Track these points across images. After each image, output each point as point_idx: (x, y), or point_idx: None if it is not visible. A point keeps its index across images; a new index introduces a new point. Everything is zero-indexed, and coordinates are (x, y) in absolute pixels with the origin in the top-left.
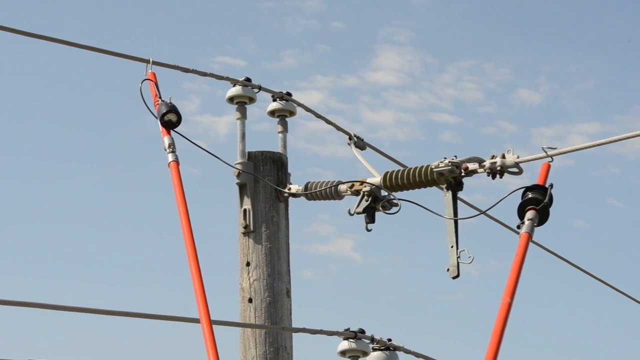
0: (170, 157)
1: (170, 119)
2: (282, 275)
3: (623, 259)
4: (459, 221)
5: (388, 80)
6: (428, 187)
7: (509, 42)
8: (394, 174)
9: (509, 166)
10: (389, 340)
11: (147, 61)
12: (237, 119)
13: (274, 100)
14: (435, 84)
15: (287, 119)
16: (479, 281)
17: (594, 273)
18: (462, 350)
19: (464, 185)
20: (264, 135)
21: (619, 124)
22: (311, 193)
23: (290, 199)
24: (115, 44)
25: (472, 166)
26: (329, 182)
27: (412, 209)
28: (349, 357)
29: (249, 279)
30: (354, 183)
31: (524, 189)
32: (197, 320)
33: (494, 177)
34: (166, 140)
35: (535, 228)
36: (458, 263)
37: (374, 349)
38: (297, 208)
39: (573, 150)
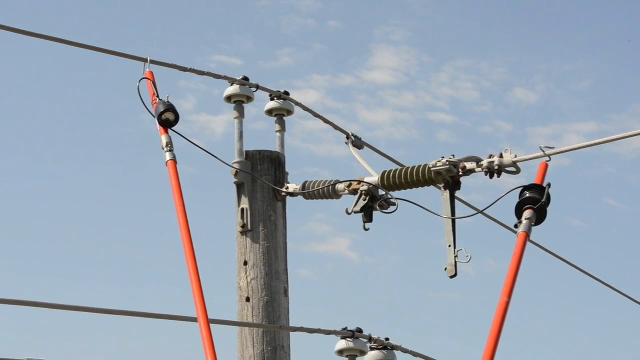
0: (167, 156)
1: (168, 118)
2: (280, 274)
3: (620, 258)
4: (456, 220)
5: (384, 79)
6: (425, 186)
7: (505, 41)
8: (391, 173)
9: (507, 165)
10: (387, 339)
11: (145, 60)
12: (235, 117)
13: (272, 99)
14: (431, 83)
15: (284, 118)
16: (475, 280)
17: (591, 272)
18: (459, 349)
19: (461, 185)
20: (261, 134)
21: (615, 123)
22: (309, 192)
23: (287, 198)
24: (110, 42)
25: (469, 165)
26: (326, 181)
27: (409, 208)
28: (347, 356)
29: (246, 277)
30: (352, 182)
31: (521, 188)
32: (194, 319)
33: (491, 177)
34: (163, 139)
35: (533, 227)
36: (455, 262)
37: (372, 348)
38: (294, 207)
39: (571, 150)
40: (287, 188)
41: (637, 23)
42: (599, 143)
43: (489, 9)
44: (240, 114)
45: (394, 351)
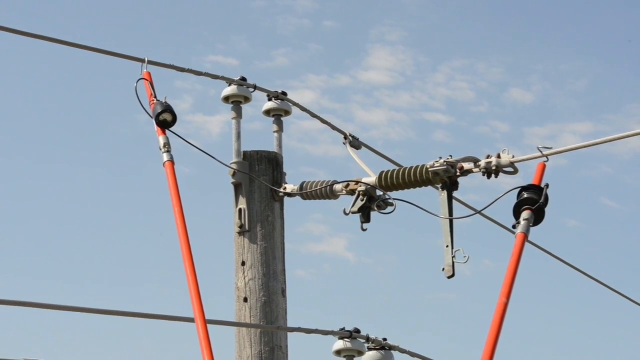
0: (165, 157)
1: (166, 119)
2: (277, 274)
3: (617, 257)
4: (454, 221)
5: (380, 79)
6: (423, 187)
7: (501, 42)
8: (389, 174)
9: (504, 166)
10: (384, 339)
11: (142, 60)
12: (233, 118)
13: (269, 99)
14: (427, 83)
15: (282, 119)
16: (472, 280)
17: (588, 272)
18: (457, 349)
19: (459, 185)
20: (257, 134)
21: (611, 124)
22: (306, 192)
23: (284, 198)
24: (106, 42)
25: (467, 166)
26: (324, 181)
27: (405, 208)
28: (344, 356)
29: (244, 278)
30: (349, 182)
31: (519, 189)
32: (192, 320)
33: (489, 177)
34: (161, 140)
35: (531, 228)
36: (453, 262)
37: (369, 349)
38: (290, 207)
39: (568, 150)
40: (284, 188)
41: (634, 23)
42: (597, 143)
43: (485, 9)
44: (238, 114)
45: (392, 351)
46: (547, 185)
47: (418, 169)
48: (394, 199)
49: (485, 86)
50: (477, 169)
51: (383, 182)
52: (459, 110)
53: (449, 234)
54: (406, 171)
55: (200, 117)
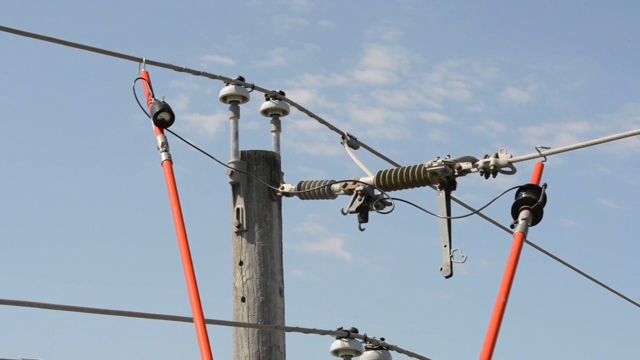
0: (163, 156)
1: (164, 118)
2: (275, 274)
3: (614, 257)
4: (452, 220)
5: (376, 79)
6: (421, 187)
7: (497, 41)
8: (387, 174)
9: (502, 165)
10: (382, 339)
11: (140, 60)
12: (230, 118)
13: (267, 99)
14: (423, 82)
15: (280, 118)
16: (469, 280)
17: (585, 272)
18: (454, 349)
19: (457, 185)
20: (254, 134)
21: (608, 123)
22: (304, 192)
23: (282, 198)
24: (102, 42)
25: (465, 165)
26: (322, 181)
27: (401, 208)
28: (342, 356)
29: (242, 278)
30: (347, 182)
31: (517, 189)
32: (190, 320)
33: (487, 177)
34: (159, 139)
35: (529, 228)
36: (451, 262)
37: (367, 348)
38: (287, 207)
39: (567, 150)
40: (282, 188)
41: (631, 23)
42: (595, 143)
43: (481, 9)
44: (236, 114)
45: (390, 351)
46: (545, 185)
47: (416, 169)
48: (392, 198)
49: (481, 86)
50: (475, 169)
51: (381, 181)
52: (456, 110)
53: (447, 233)
54: (404, 171)
55: (197, 116)
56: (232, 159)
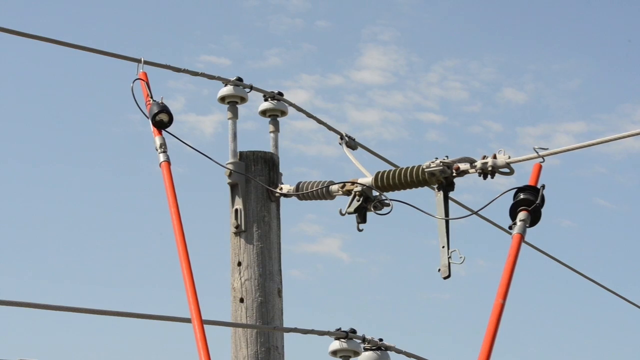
0: (161, 157)
1: (162, 119)
2: (274, 275)
3: (610, 257)
4: (450, 221)
5: (373, 79)
6: (419, 188)
7: (494, 41)
8: (385, 174)
9: (500, 166)
10: (380, 340)
11: (139, 61)
12: (229, 118)
13: (266, 100)
14: (420, 83)
15: (278, 119)
16: (467, 281)
17: (582, 272)
18: (452, 349)
19: (455, 186)
20: (251, 134)
21: (605, 123)
22: (303, 193)
23: (280, 199)
24: (99, 42)
25: (463, 166)
26: (320, 182)
27: (399, 208)
28: (341, 357)
29: (240, 278)
30: (346, 183)
31: (515, 190)
32: (188, 320)
33: (485, 178)
34: (157, 141)
35: (527, 229)
36: (449, 263)
37: (365, 349)
38: (284, 207)
39: (565, 151)
40: (281, 189)
41: (628, 23)
42: (593, 144)
43: (478, 9)
44: (234, 114)
45: (388, 352)
46: (543, 186)
47: (414, 170)
48: (390, 199)
49: (478, 86)
50: (473, 170)
51: (379, 182)
52: (452, 110)
53: (445, 234)
54: (402, 172)
55: (194, 117)
56: (231, 160)
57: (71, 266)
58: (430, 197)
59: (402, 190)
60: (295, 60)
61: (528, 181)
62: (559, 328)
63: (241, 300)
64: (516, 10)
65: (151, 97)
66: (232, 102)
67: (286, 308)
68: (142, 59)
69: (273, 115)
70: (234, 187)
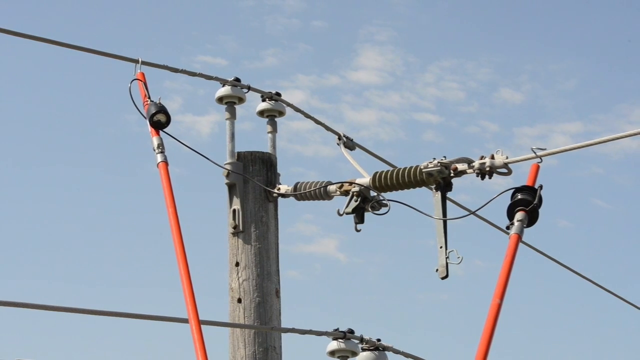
0: (159, 158)
1: (160, 120)
2: (272, 275)
3: (607, 257)
4: (447, 222)
5: (370, 79)
6: (417, 188)
7: (491, 42)
8: (383, 175)
9: (498, 167)
10: (378, 340)
11: (136, 61)
12: (227, 119)
13: (263, 100)
14: (417, 83)
15: (275, 119)
16: (464, 281)
17: (580, 272)
18: (450, 349)
19: (453, 186)
20: (248, 134)
21: (602, 124)
22: (301, 193)
23: (278, 199)
24: (94, 42)
25: (461, 167)
26: (318, 182)
27: (396, 209)
28: (338, 357)
29: (238, 279)
30: (344, 183)
31: (513, 190)
32: (185, 321)
33: (483, 178)
34: (155, 141)
35: (525, 229)
36: (447, 263)
37: (363, 349)
38: (281, 207)
39: (563, 151)
40: (279, 189)
41: (625, 23)
42: (591, 144)
43: (474, 9)
44: (232, 115)
45: (386, 352)
46: (541, 187)
47: (412, 170)
48: (388, 200)
49: (475, 86)
50: (471, 170)
51: (377, 183)
52: (449, 111)
53: (443, 235)
54: (400, 172)
55: (190, 117)
56: (229, 160)
57: (69, 267)
58: (428, 197)
59: (399, 191)
60: (291, 61)
61: (525, 181)
62: (556, 328)
63: (239, 300)
64: (513, 10)
65: (149, 98)
66: (230, 103)
67: (284, 308)
68: (140, 59)
69: (271, 116)
70: (231, 188)
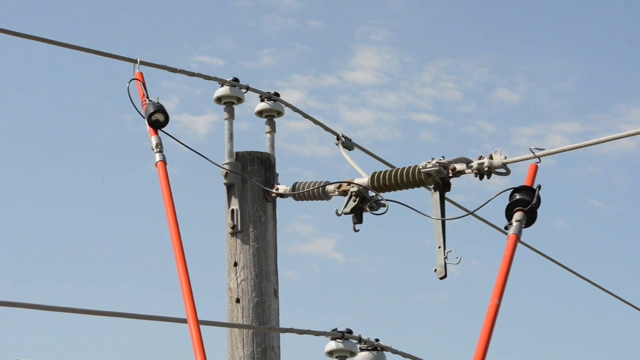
0: (157, 157)
1: (158, 119)
2: (270, 275)
3: (605, 257)
4: (446, 222)
5: (366, 79)
6: (415, 188)
7: (487, 41)
8: (381, 175)
9: (497, 167)
10: (377, 340)
11: (135, 61)
12: (225, 119)
13: (262, 100)
14: (413, 83)
15: (274, 119)
16: (462, 281)
17: (577, 271)
18: (448, 349)
19: (451, 186)
20: (246, 134)
21: (599, 124)
22: (299, 193)
23: (276, 199)
24: (91, 42)
25: (459, 167)
26: (316, 182)
27: (394, 209)
28: (337, 357)
29: (236, 279)
30: (342, 183)
31: (511, 190)
32: (184, 321)
33: (481, 178)
34: (153, 140)
35: (523, 229)
36: (445, 264)
37: (362, 349)
38: (278, 207)
39: (561, 151)
40: (277, 189)
41: (622, 23)
42: (589, 144)
43: (471, 9)
44: (231, 115)
45: (384, 352)
46: (539, 187)
47: (410, 170)
48: (386, 200)
49: (471, 86)
50: (469, 170)
51: (375, 183)
52: (446, 111)
53: (441, 235)
54: (398, 172)
55: (187, 117)
56: (227, 160)
57: (67, 267)
58: (426, 197)
59: (397, 191)
60: (288, 61)
61: (523, 181)
62: (554, 328)
63: (237, 300)
64: (509, 10)
65: (147, 97)
66: (229, 103)
67: (282, 308)
68: (138, 59)
69: (269, 116)
70: (230, 188)
